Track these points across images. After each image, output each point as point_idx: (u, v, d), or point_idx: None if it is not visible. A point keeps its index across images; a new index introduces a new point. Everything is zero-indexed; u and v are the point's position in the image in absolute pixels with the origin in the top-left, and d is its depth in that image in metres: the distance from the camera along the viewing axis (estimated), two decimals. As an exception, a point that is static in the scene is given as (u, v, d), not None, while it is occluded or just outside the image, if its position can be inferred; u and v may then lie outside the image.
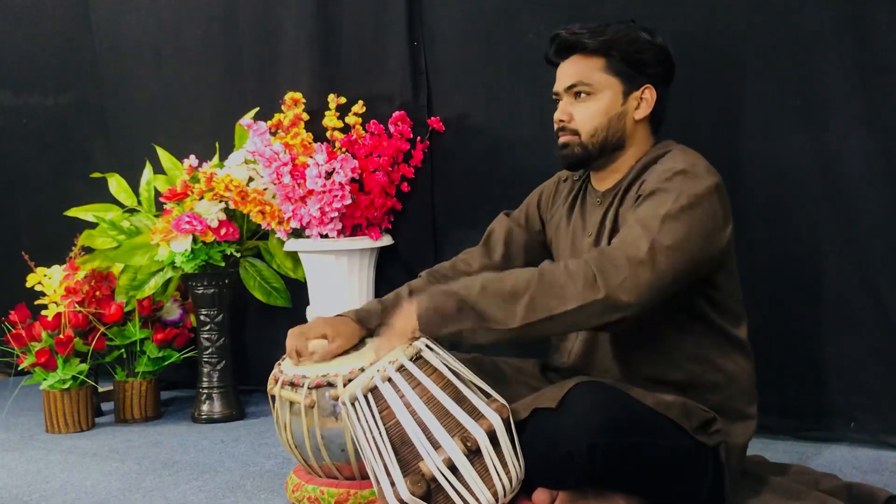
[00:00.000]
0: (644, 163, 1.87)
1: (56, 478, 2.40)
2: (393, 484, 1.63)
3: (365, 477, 1.85)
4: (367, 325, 1.98)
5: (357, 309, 2.02)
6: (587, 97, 1.88)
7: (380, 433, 1.65)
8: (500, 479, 1.65)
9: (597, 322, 1.68)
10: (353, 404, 1.69)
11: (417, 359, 1.72)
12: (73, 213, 3.15)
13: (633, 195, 1.84)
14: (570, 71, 1.90)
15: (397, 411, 1.66)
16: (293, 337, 1.94)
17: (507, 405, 1.71)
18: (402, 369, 1.69)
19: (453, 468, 1.62)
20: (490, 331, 1.67)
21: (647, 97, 1.89)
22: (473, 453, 1.64)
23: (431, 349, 1.75)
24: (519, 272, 1.71)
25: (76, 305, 2.90)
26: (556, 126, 1.93)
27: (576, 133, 1.89)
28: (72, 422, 2.87)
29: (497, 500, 1.66)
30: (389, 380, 1.68)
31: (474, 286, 1.70)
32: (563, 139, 1.91)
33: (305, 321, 2.86)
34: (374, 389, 1.68)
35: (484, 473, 1.64)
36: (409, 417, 1.65)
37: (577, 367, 1.93)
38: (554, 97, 1.95)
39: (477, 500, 1.63)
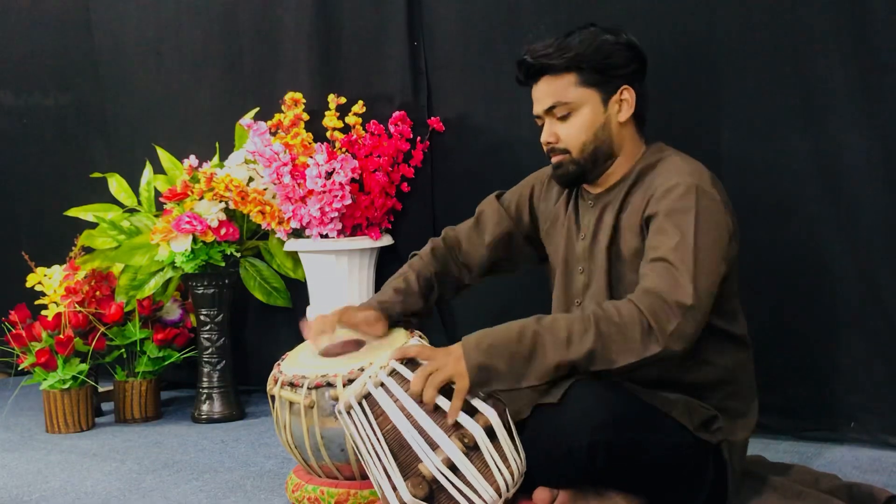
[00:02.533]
0: (641, 167, 1.87)
1: (56, 478, 2.40)
2: (395, 488, 1.63)
3: (365, 477, 1.85)
4: (390, 315, 1.98)
5: (379, 300, 2.00)
6: (568, 116, 1.87)
7: (377, 439, 1.65)
8: (502, 474, 1.65)
9: (647, 365, 1.68)
10: (348, 412, 1.69)
11: (408, 361, 1.72)
12: (73, 213, 3.15)
13: (637, 203, 1.83)
14: (544, 93, 1.89)
15: (392, 415, 1.65)
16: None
17: (502, 399, 1.71)
18: (393, 373, 1.69)
19: (453, 467, 1.62)
20: (543, 381, 1.67)
21: (626, 98, 1.88)
22: (472, 450, 1.64)
23: None
24: (570, 320, 1.66)
25: (76, 305, 2.90)
26: (545, 147, 1.93)
27: (566, 151, 1.89)
28: (72, 422, 2.87)
29: (500, 495, 1.66)
30: (382, 385, 1.68)
31: (525, 337, 1.65)
32: (555, 159, 1.91)
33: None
34: (367, 396, 1.68)
35: (484, 469, 1.64)
36: (405, 420, 1.65)
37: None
38: (536, 120, 1.94)
39: (480, 496, 1.63)
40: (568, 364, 1.65)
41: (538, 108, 1.91)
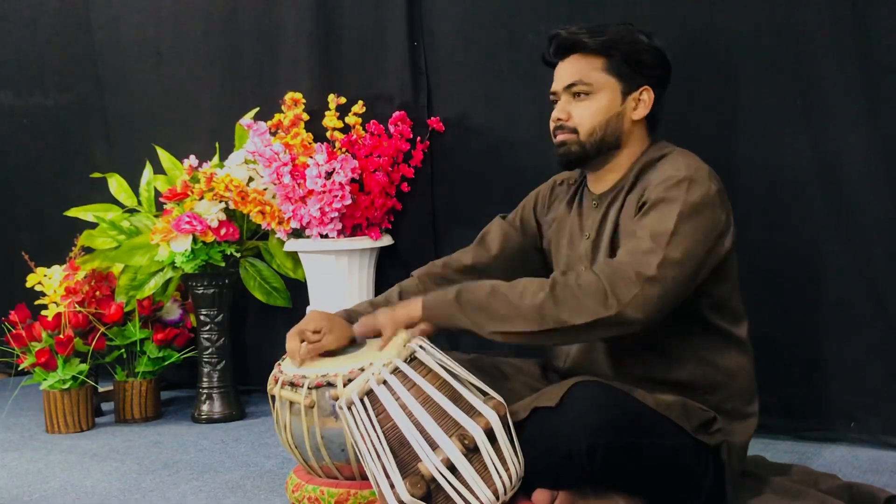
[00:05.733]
0: (642, 164, 1.87)
1: (56, 478, 2.40)
2: (392, 486, 1.63)
3: (365, 477, 1.85)
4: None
5: (347, 309, 2.02)
6: (586, 97, 1.89)
7: (377, 436, 1.65)
8: (500, 477, 1.65)
9: (604, 335, 1.73)
10: (349, 408, 1.69)
11: (412, 360, 1.72)
12: (73, 213, 3.15)
13: (634, 199, 1.83)
14: (569, 70, 1.90)
15: (393, 413, 1.66)
16: (291, 339, 1.93)
17: (503, 402, 1.71)
18: (396, 371, 1.69)
19: (452, 468, 1.62)
20: (494, 333, 1.71)
21: (644, 99, 1.90)
22: (471, 452, 1.64)
23: (426, 350, 1.75)
24: (529, 280, 1.72)
25: (76, 305, 2.90)
26: (553, 125, 1.93)
27: (574, 131, 1.89)
28: (72, 422, 2.87)
29: (497, 498, 1.66)
30: (385, 382, 1.68)
31: (484, 287, 1.74)
32: (560, 137, 1.91)
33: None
34: (369, 393, 1.68)
35: (483, 472, 1.64)
36: (406, 419, 1.65)
37: (575, 367, 1.93)
38: (551, 97, 1.95)
39: (477, 498, 1.63)
40: (520, 316, 1.68)
41: (558, 84, 1.92)
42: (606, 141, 1.89)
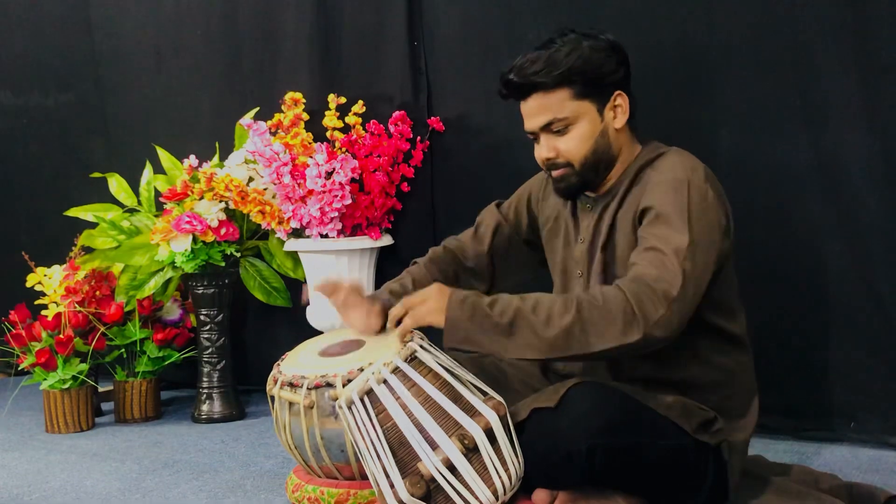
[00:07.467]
0: (638, 166, 1.86)
1: (56, 478, 2.40)
2: (392, 486, 1.63)
3: (365, 477, 1.85)
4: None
5: (372, 294, 1.99)
6: (566, 130, 1.85)
7: (377, 435, 1.65)
8: (500, 477, 1.65)
9: (631, 355, 1.69)
10: (349, 408, 1.69)
11: (412, 359, 1.72)
12: (73, 213, 3.15)
13: (632, 200, 1.82)
14: (537, 110, 1.86)
15: (393, 413, 1.66)
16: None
17: (503, 402, 1.71)
18: (396, 371, 1.69)
19: (452, 468, 1.62)
20: (519, 359, 1.69)
21: (620, 103, 1.86)
22: (471, 451, 1.64)
23: (426, 349, 1.75)
24: (551, 300, 1.68)
25: (76, 305, 2.90)
26: (544, 164, 1.90)
27: (568, 164, 1.86)
28: (72, 422, 2.87)
29: (497, 499, 1.66)
30: (385, 382, 1.68)
31: (507, 312, 1.67)
32: (556, 174, 1.88)
33: (305, 321, 2.87)
34: (369, 392, 1.68)
35: (483, 472, 1.64)
36: (406, 418, 1.65)
37: (576, 367, 1.93)
38: (529, 135, 1.92)
39: (477, 498, 1.63)
40: (545, 344, 1.64)
41: (532, 125, 1.88)
42: (602, 160, 1.87)
